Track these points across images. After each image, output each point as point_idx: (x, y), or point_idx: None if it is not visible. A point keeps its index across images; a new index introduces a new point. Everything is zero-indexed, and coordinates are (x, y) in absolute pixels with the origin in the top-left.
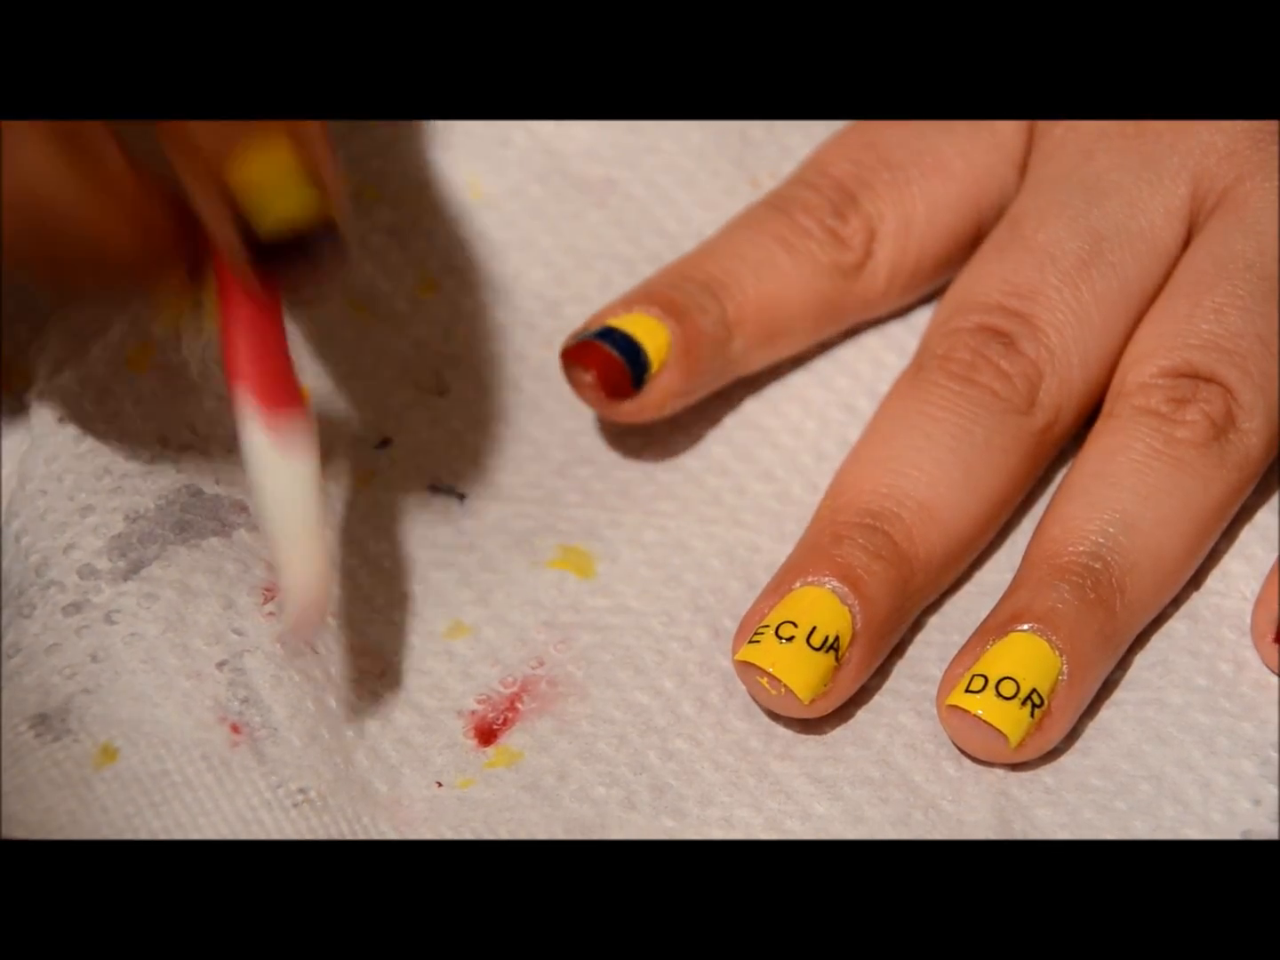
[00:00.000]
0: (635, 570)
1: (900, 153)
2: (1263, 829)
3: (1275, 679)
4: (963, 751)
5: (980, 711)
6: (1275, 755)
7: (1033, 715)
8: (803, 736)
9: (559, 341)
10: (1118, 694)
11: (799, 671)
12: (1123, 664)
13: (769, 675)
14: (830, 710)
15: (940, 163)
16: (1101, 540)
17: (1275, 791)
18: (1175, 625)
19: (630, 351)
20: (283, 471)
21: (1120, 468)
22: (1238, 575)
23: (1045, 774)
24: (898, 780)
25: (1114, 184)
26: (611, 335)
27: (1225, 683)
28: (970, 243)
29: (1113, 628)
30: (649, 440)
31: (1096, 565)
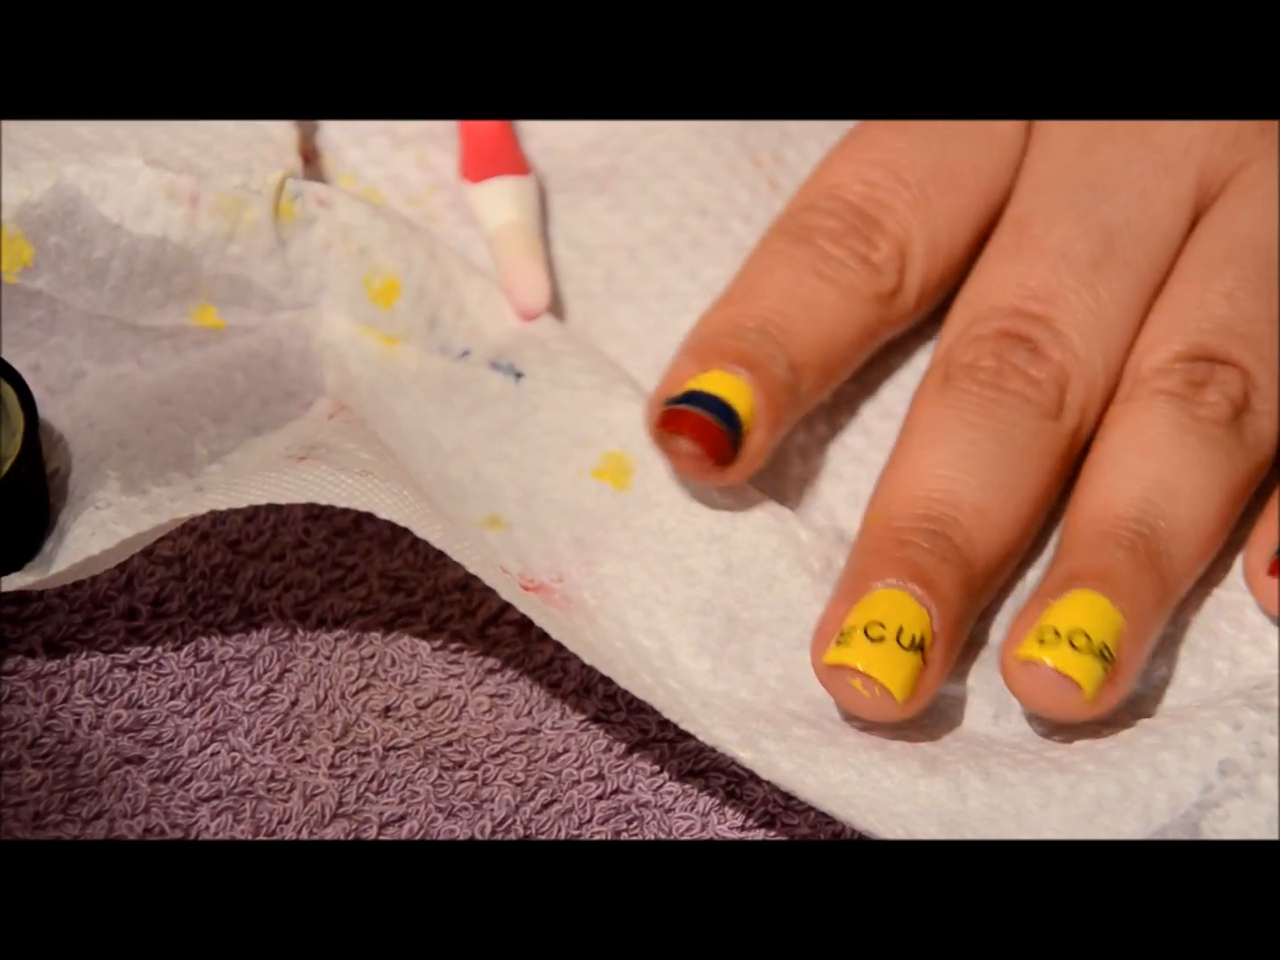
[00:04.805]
0: (665, 484)
1: (911, 170)
2: (1240, 758)
3: (1270, 672)
4: (1030, 710)
5: (1053, 662)
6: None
7: (1104, 669)
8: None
9: (568, 332)
10: None
11: (893, 671)
12: None
13: (862, 676)
14: (917, 713)
15: (952, 176)
16: (1146, 506)
17: (1256, 717)
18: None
19: (725, 414)
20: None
21: (1151, 441)
22: (1236, 570)
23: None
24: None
25: (1119, 177)
26: (701, 399)
27: (1220, 680)
28: (980, 250)
29: (1164, 590)
30: None
31: (1145, 530)
